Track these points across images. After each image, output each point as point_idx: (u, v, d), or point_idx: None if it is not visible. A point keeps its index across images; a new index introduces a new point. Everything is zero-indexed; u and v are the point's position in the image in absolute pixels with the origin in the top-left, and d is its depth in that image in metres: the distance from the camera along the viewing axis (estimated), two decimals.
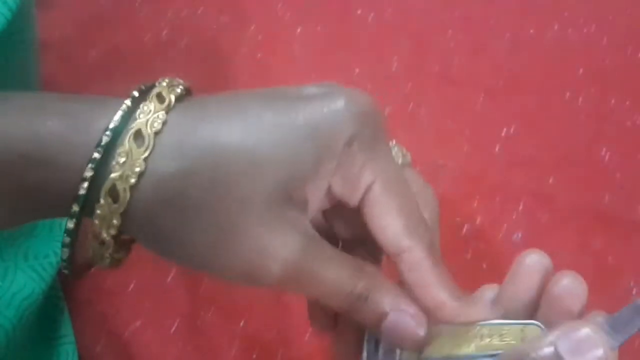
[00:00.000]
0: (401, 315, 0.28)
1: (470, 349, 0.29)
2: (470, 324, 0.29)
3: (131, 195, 0.25)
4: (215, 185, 0.25)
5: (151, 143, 0.25)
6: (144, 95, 0.27)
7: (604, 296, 0.29)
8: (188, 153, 0.25)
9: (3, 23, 0.42)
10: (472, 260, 0.57)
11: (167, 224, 0.25)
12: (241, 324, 0.57)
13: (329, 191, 0.28)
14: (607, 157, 0.63)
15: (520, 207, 0.60)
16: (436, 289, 0.28)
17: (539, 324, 0.29)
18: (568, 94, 0.65)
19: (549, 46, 0.68)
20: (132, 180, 0.24)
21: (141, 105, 0.26)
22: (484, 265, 0.57)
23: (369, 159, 0.27)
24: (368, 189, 0.28)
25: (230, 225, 0.25)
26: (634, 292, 0.57)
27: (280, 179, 0.25)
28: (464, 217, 0.59)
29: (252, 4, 0.71)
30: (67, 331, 0.55)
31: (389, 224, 0.28)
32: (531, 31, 0.69)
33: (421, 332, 0.28)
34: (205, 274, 0.57)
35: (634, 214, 0.61)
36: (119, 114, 0.25)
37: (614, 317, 0.28)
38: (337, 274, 0.27)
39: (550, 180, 0.61)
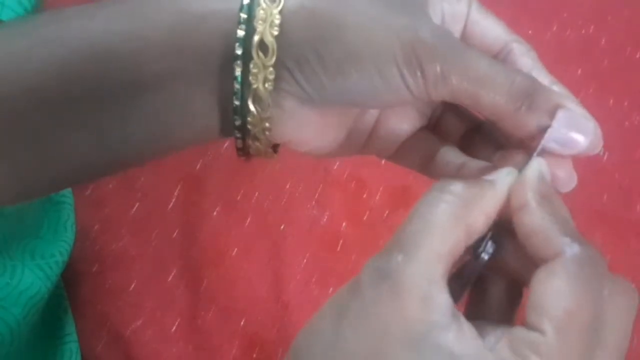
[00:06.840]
0: (576, 109, 0.30)
1: None
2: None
3: (278, 45, 0.28)
4: (344, 6, 0.28)
5: None
6: None
7: None
8: None
9: None
10: None
11: (309, 55, 0.28)
12: (241, 323, 0.57)
13: (443, 18, 0.31)
14: (605, 157, 0.63)
15: None
16: (544, 73, 0.31)
17: None
18: None
19: (547, 47, 0.69)
20: (275, 32, 0.28)
21: None
22: None
23: None
24: (469, 5, 0.32)
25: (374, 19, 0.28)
26: None
27: None
28: None
29: None
30: (70, 330, 0.56)
31: (495, 24, 0.32)
32: (530, 32, 0.69)
33: (594, 126, 0.30)
34: (205, 274, 0.58)
35: (633, 213, 0.61)
36: None
37: None
38: (489, 63, 0.29)
39: None
